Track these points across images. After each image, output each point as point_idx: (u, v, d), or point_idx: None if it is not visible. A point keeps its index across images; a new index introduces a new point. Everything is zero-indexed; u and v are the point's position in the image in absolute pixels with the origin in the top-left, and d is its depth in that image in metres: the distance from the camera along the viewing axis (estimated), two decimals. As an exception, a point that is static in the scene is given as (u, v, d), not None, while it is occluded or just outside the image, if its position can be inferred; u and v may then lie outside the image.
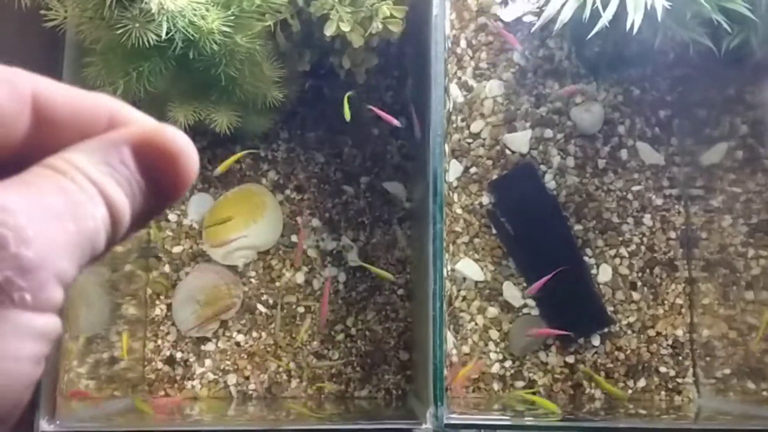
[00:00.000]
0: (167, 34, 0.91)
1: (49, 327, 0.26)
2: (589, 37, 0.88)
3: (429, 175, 0.92)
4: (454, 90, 1.29)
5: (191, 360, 1.24)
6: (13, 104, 0.28)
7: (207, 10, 0.95)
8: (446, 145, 1.25)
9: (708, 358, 1.21)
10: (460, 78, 1.30)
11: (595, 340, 1.23)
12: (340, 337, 1.25)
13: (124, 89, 1.00)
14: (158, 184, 0.29)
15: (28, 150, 0.29)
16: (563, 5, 0.89)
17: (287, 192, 1.29)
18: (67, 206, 0.26)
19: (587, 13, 0.89)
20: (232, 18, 0.99)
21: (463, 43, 1.31)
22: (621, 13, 0.97)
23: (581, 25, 1.03)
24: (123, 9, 0.86)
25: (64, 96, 0.29)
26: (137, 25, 0.86)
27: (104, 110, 0.30)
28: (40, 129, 0.29)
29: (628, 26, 0.88)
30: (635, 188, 1.27)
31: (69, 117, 0.29)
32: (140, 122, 0.30)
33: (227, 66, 1.05)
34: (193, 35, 0.95)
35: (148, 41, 0.90)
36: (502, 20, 1.30)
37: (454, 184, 1.27)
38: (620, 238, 1.26)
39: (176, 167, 0.28)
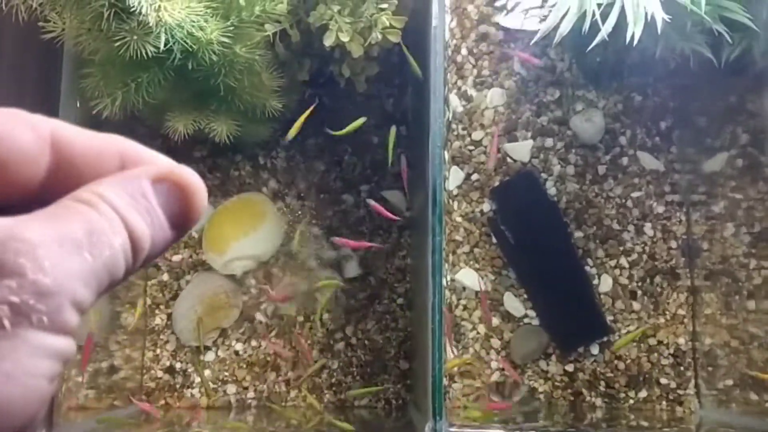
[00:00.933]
0: (166, 45, 0.91)
1: (64, 348, 0.28)
2: (590, 48, 0.87)
3: (428, 186, 0.91)
4: (455, 100, 1.29)
5: (190, 369, 1.24)
6: (35, 146, 0.31)
7: (206, 21, 0.94)
8: (446, 152, 1.25)
9: (710, 368, 1.20)
10: (460, 88, 1.29)
11: (594, 349, 1.23)
12: (340, 345, 1.25)
13: (123, 100, 1.00)
14: (173, 216, 0.32)
15: (48, 188, 0.31)
16: (563, 17, 0.88)
17: (288, 200, 1.29)
18: (86, 236, 0.28)
19: (587, 25, 0.88)
20: (231, 28, 0.99)
21: (464, 51, 1.30)
22: (621, 23, 0.97)
23: (581, 34, 1.03)
24: (121, 21, 0.85)
25: (79, 137, 0.32)
26: (135, 37, 0.86)
27: (116, 148, 0.33)
28: (59, 168, 0.32)
29: (628, 39, 0.87)
30: (635, 194, 1.27)
31: (84, 156, 0.32)
32: (155, 159, 0.33)
33: (226, 76, 1.05)
34: (191, 46, 0.95)
35: (147, 53, 0.90)
36: (503, 28, 1.30)
37: (455, 192, 1.26)
38: (621, 248, 1.25)
39: (190, 201, 0.32)
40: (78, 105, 1.03)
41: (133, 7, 0.80)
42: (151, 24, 0.82)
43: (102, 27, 0.86)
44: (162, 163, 0.33)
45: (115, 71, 0.98)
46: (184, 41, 0.93)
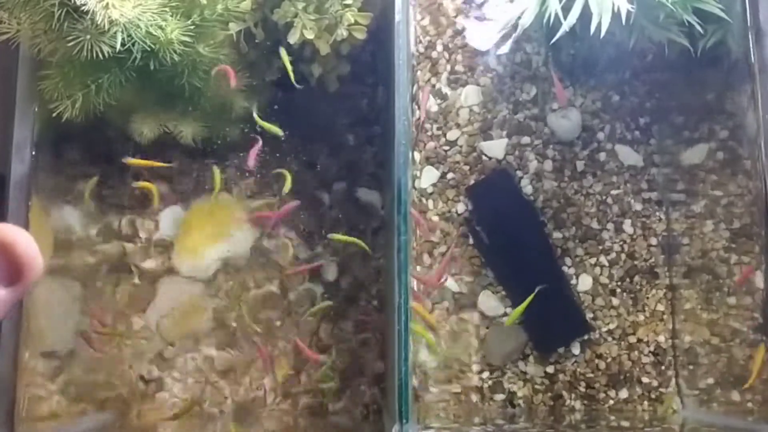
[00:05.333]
0: (123, 45, 0.89)
1: None
2: (553, 41, 0.85)
3: (393, 184, 0.90)
4: (429, 99, 1.26)
5: (164, 376, 1.22)
6: None
7: (164, 20, 0.93)
8: (417, 153, 1.23)
9: (691, 367, 1.18)
10: (434, 86, 1.27)
11: (575, 349, 1.21)
12: (316, 348, 1.23)
13: (83, 102, 0.98)
14: (2, 275, 0.32)
15: None
16: (523, 12, 0.86)
17: (260, 202, 1.27)
18: None
19: (552, 15, 0.86)
20: (193, 27, 0.97)
21: (439, 47, 1.28)
22: (590, 14, 0.95)
23: (556, 29, 1.01)
24: (73, 21, 0.83)
25: None
26: (89, 36, 0.84)
27: None
28: None
29: (593, 29, 0.85)
30: (615, 192, 1.24)
31: None
32: None
33: (190, 76, 1.04)
34: (151, 46, 0.94)
35: (104, 53, 0.88)
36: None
37: (429, 190, 1.24)
38: (600, 246, 1.23)
39: (16, 256, 0.31)
40: (36, 108, 1.01)
41: (83, 4, 0.79)
42: (100, 22, 0.81)
43: (54, 27, 0.84)
44: None
45: (74, 72, 0.97)
46: (143, 41, 0.91)
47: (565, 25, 0.84)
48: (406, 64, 0.90)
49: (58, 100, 0.97)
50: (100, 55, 0.89)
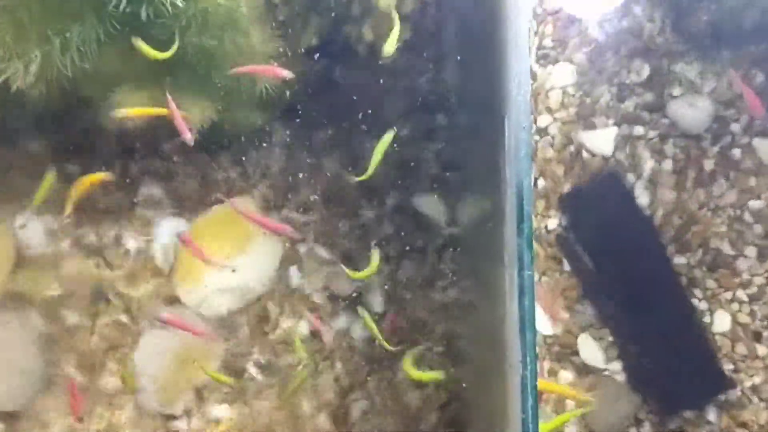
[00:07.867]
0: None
1: None
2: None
3: (507, 189, 0.60)
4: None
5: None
6: None
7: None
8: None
9: None
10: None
11: (710, 413, 0.92)
12: (358, 406, 0.94)
13: (43, 64, 0.70)
14: None
15: None
16: None
17: (285, 212, 0.99)
18: None
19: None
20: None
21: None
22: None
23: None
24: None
25: None
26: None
27: None
28: None
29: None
30: (755, 204, 0.95)
31: None
32: None
33: (199, 34, 0.75)
34: (143, -18, 0.65)
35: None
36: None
37: (515, 201, 0.96)
38: (737, 279, 0.94)
39: None
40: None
41: None
42: None
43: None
44: None
45: (31, 20, 0.70)
46: (131, -28, 0.62)
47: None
48: (526, 11, 0.60)
49: (7, 60, 0.68)
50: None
